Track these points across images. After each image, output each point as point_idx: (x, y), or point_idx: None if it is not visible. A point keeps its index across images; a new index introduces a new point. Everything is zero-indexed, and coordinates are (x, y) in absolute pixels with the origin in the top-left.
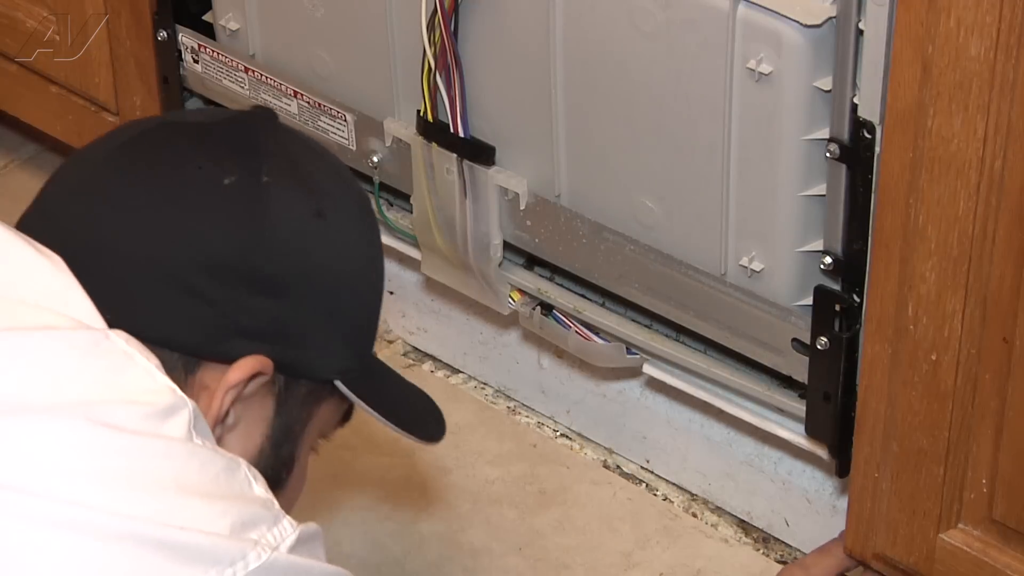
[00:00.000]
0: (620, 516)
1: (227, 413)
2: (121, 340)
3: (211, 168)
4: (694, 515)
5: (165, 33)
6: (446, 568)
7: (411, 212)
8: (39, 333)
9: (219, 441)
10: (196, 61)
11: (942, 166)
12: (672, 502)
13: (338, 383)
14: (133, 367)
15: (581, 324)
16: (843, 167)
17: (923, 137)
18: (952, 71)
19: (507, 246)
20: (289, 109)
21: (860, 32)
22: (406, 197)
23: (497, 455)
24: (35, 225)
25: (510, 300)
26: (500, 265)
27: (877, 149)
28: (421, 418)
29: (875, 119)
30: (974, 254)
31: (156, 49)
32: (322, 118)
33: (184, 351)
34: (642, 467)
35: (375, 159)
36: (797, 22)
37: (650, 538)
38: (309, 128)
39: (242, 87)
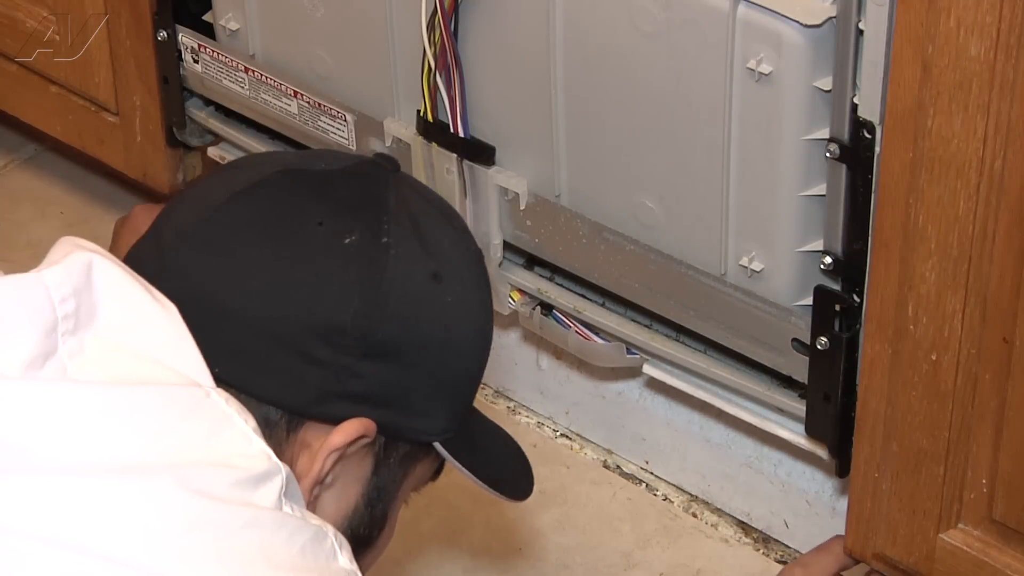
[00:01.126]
0: (620, 516)
1: (327, 474)
2: (222, 400)
3: (332, 225)
4: (694, 515)
5: (165, 33)
6: (446, 568)
7: None
8: (142, 389)
9: (316, 499)
10: (196, 61)
11: (942, 166)
12: (672, 502)
13: (437, 445)
14: (231, 429)
15: (581, 324)
16: (843, 167)
17: (923, 137)
18: (952, 71)
19: (507, 246)
20: (289, 109)
21: (860, 32)
22: None
23: None
24: (151, 268)
25: (510, 300)
26: (500, 265)
27: (877, 149)
28: (512, 475)
29: (875, 119)
30: (974, 254)
31: (156, 49)
32: (322, 118)
33: (290, 411)
34: (642, 467)
35: None
36: (797, 22)
37: (650, 538)
38: (309, 128)
39: (242, 87)
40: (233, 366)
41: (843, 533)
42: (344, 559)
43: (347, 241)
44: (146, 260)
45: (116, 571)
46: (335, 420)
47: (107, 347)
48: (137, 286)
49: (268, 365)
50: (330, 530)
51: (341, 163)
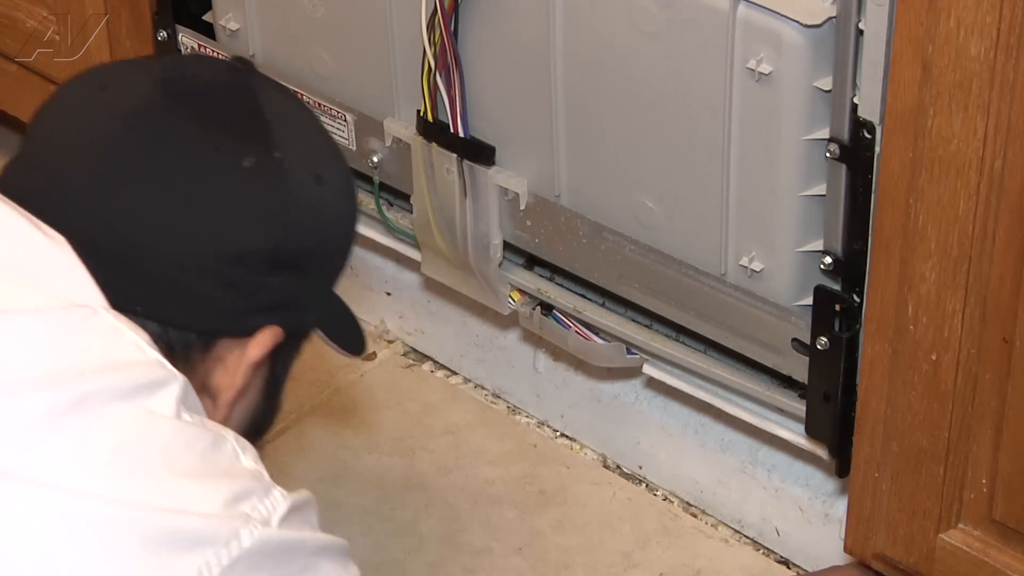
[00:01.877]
0: (620, 516)
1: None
2: (110, 316)
3: (228, 149)
4: (694, 515)
5: (165, 33)
6: (446, 568)
7: (411, 212)
8: (29, 315)
9: (230, 407)
10: None
11: (942, 166)
12: (672, 502)
13: (319, 332)
14: (121, 342)
15: (581, 324)
16: (843, 167)
17: (923, 137)
18: (952, 71)
19: (507, 246)
20: None
21: (860, 32)
22: (406, 197)
23: (497, 455)
24: (39, 203)
25: (510, 300)
26: (500, 265)
27: (877, 149)
28: (356, 332)
29: (875, 119)
30: (974, 254)
31: (156, 49)
32: (322, 118)
33: (201, 331)
34: (639, 472)
35: (375, 159)
36: (797, 22)
37: (650, 538)
38: None
39: None
40: (144, 297)
41: (838, 540)
42: (247, 460)
43: (246, 164)
44: (34, 195)
45: (22, 490)
46: (247, 333)
47: None
48: (22, 220)
49: (181, 294)
50: (229, 435)
51: (208, 78)
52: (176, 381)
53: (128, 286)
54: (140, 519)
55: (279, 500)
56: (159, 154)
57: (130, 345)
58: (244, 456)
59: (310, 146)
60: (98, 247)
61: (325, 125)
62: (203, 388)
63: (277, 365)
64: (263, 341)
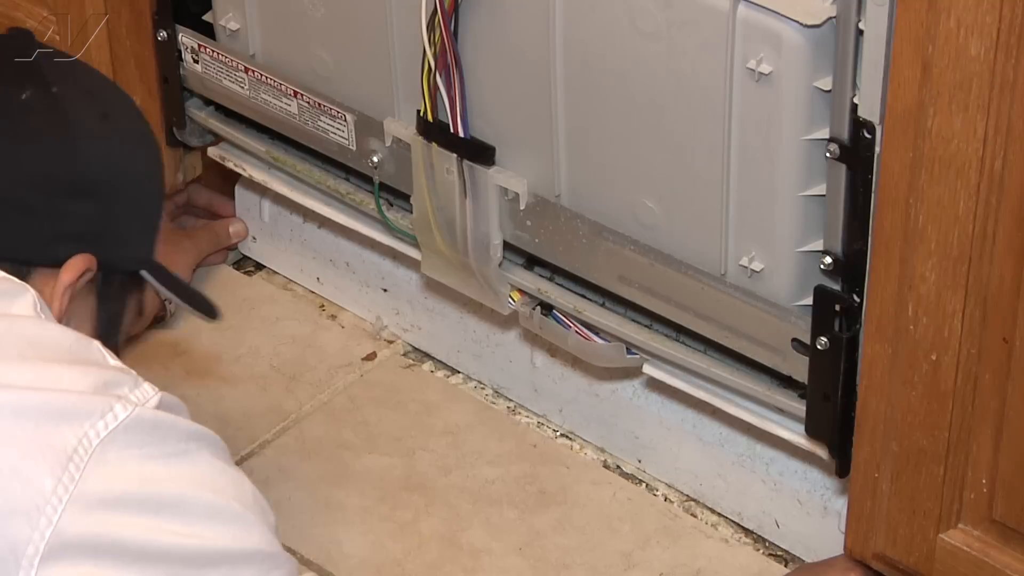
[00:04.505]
0: (620, 516)
1: (65, 311)
2: None
3: (5, 88)
4: (694, 515)
5: (165, 33)
6: (446, 568)
7: (411, 212)
8: None
9: None
10: (196, 61)
11: (942, 166)
12: (672, 502)
13: (144, 273)
14: None
15: (581, 324)
16: (843, 167)
17: (923, 137)
18: (952, 71)
19: (507, 246)
20: (289, 109)
21: (860, 32)
22: (406, 197)
23: (497, 455)
24: None
25: (510, 300)
26: (500, 265)
27: (877, 149)
28: (206, 303)
29: (875, 119)
30: (974, 254)
31: (156, 49)
32: (322, 118)
33: (15, 261)
34: (639, 468)
35: (375, 159)
36: (797, 22)
37: (650, 538)
38: (309, 128)
39: (242, 87)
40: None
41: (838, 532)
42: (115, 360)
43: (24, 97)
44: None
45: None
46: (58, 263)
47: None
48: None
49: None
50: (94, 340)
51: None
52: (29, 291)
53: None
54: (13, 396)
55: (149, 392)
56: None
57: None
58: (110, 357)
59: (91, 88)
60: None
61: (325, 125)
62: None
63: (106, 304)
64: (73, 264)
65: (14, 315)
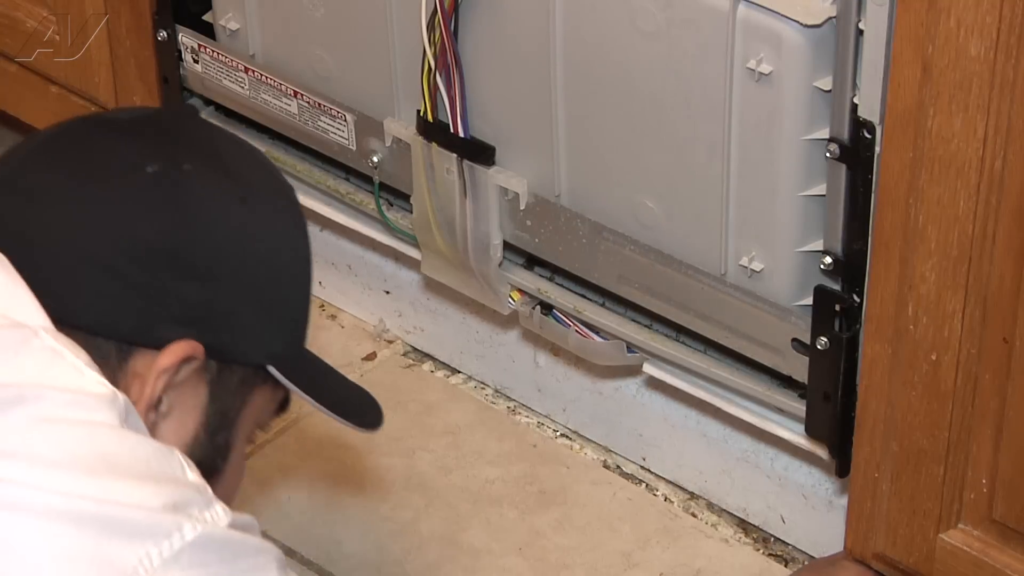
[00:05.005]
0: (620, 516)
1: (160, 400)
2: (50, 337)
3: (133, 157)
4: (694, 515)
5: (165, 33)
6: (446, 568)
7: (411, 212)
8: None
9: (153, 430)
10: (196, 61)
11: (942, 166)
12: (672, 502)
13: (271, 368)
14: (62, 363)
15: (581, 324)
16: (843, 167)
17: (923, 137)
18: (952, 71)
19: (507, 246)
20: (289, 109)
21: (860, 32)
22: (406, 197)
23: (497, 455)
24: None
25: (510, 300)
26: (500, 265)
27: (877, 149)
28: (358, 406)
29: (875, 119)
30: (974, 254)
31: (156, 49)
32: (322, 118)
33: (117, 338)
34: (641, 467)
35: (375, 159)
36: (797, 22)
37: (650, 538)
38: (309, 128)
39: (242, 87)
40: (60, 300)
41: (843, 527)
42: (193, 475)
43: (149, 170)
44: None
45: None
46: (163, 345)
47: None
48: None
49: (90, 295)
50: (176, 451)
51: (143, 111)
52: (118, 399)
53: (49, 293)
54: (84, 509)
55: (221, 514)
56: (62, 162)
57: (70, 368)
58: (189, 470)
59: (240, 174)
60: (15, 255)
61: (325, 125)
62: None
63: (220, 398)
64: (174, 349)
65: (96, 423)
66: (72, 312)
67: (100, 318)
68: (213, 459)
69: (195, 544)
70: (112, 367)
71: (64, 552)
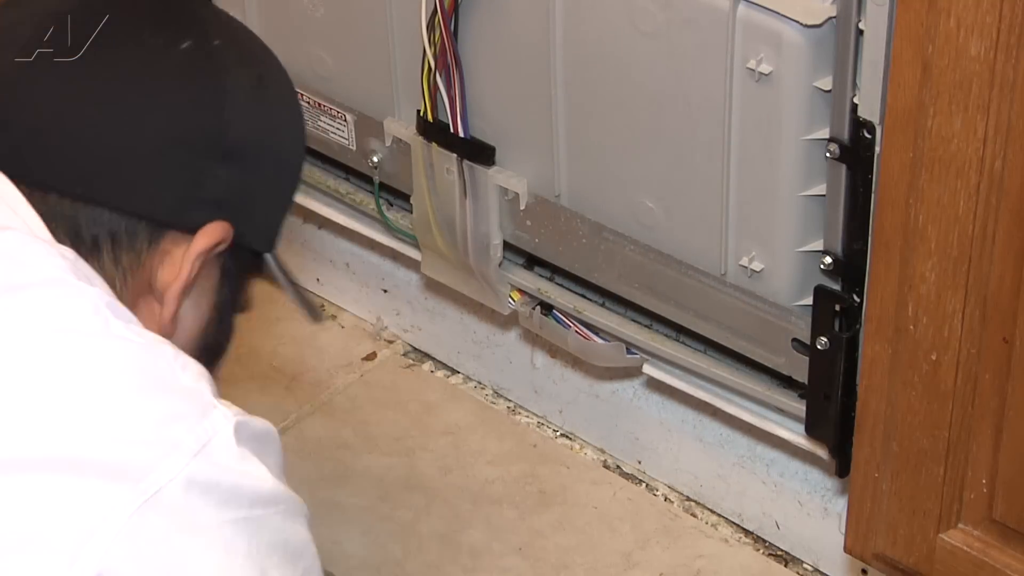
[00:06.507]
0: (620, 516)
1: (194, 279)
2: (27, 238)
3: (163, 35)
4: (694, 515)
5: None
6: (446, 568)
7: (411, 212)
8: None
9: (178, 308)
10: None
11: (942, 166)
12: (672, 502)
13: (268, 258)
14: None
15: (581, 324)
16: (843, 167)
17: (923, 137)
18: (952, 71)
19: (507, 246)
20: None
21: (860, 32)
22: (406, 197)
23: (497, 455)
24: None
25: (510, 300)
26: (500, 265)
27: (877, 149)
28: (311, 300)
29: (875, 119)
30: (974, 254)
31: None
32: (322, 118)
33: (152, 221)
34: (639, 468)
35: (375, 159)
36: (797, 22)
37: (650, 538)
38: (309, 128)
39: None
40: (93, 183)
41: (838, 533)
42: (187, 377)
43: (184, 46)
44: None
45: None
46: (193, 228)
47: None
48: None
49: (128, 178)
50: (167, 348)
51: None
52: (90, 290)
53: (78, 175)
54: (43, 452)
55: (220, 421)
56: (92, 51)
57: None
58: (180, 368)
59: (251, 49)
60: (44, 141)
61: (325, 125)
62: (149, 288)
63: (228, 281)
64: (210, 232)
65: (67, 330)
66: (105, 194)
67: (138, 202)
68: (220, 340)
69: (184, 485)
70: (139, 247)
71: (23, 506)
